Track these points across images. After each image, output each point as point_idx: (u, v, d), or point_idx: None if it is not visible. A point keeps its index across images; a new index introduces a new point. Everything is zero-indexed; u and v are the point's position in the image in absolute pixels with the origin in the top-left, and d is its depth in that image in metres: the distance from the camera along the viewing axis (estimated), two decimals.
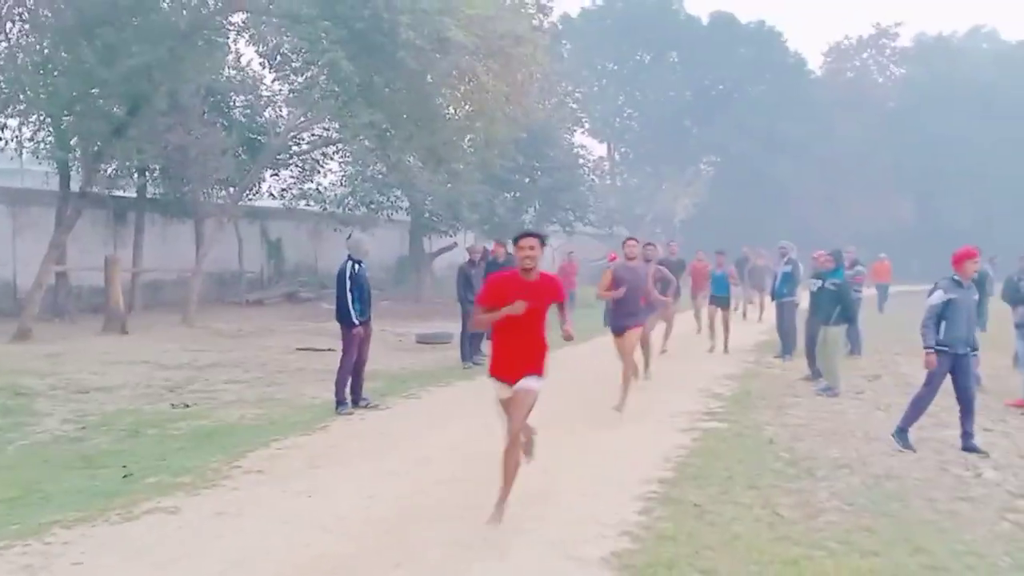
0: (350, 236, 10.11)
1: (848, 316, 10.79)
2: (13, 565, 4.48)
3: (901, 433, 7.66)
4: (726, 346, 14.81)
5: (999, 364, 12.36)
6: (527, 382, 5.33)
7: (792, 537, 5.13)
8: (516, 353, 5.39)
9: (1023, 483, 6.58)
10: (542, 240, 5.46)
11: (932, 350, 7.51)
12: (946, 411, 9.45)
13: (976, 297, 7.79)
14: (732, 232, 47.76)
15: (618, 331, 9.22)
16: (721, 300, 14.98)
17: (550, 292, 5.53)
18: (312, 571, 4.52)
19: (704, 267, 16.53)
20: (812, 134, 47.04)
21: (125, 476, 6.28)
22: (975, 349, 7.65)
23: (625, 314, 9.12)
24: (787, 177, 46.02)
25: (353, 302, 8.99)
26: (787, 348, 13.85)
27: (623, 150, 52.79)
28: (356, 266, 9.13)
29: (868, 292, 19.00)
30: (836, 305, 10.48)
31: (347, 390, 9.22)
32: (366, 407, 9.28)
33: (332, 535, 5.09)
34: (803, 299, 13.18)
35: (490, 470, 5.47)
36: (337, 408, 9.09)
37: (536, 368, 5.41)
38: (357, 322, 9.07)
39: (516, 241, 5.49)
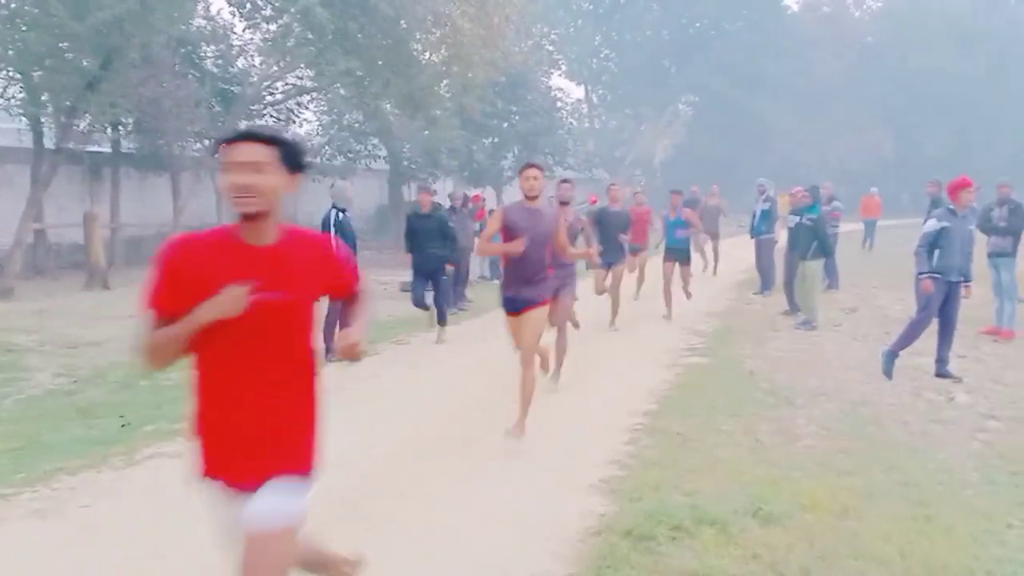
0: (333, 185, 10.12)
1: (825, 251, 10.99)
2: (24, 510, 4.63)
3: (890, 356, 7.83)
4: (669, 311, 11.74)
5: (976, 293, 12.65)
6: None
7: (772, 460, 5.37)
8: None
9: (994, 405, 6.86)
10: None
11: (927, 276, 7.69)
12: (920, 340, 9.76)
13: (971, 227, 7.92)
14: (713, 171, 47.81)
15: (512, 309, 6.02)
16: (678, 253, 12.15)
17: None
18: (317, 504, 4.69)
19: (645, 212, 13.05)
20: (791, 70, 46.87)
21: (123, 425, 6.41)
22: (968, 279, 7.83)
23: (522, 282, 5.90)
24: (768, 114, 45.94)
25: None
26: (766, 284, 14.10)
27: (601, 92, 52.41)
28: (339, 214, 9.18)
29: (851, 227, 19.20)
30: (813, 240, 10.68)
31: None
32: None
33: (334, 470, 5.19)
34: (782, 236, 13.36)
35: (483, 408, 5.66)
36: (327, 356, 9.23)
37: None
38: None
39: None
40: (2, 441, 6.02)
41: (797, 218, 11.22)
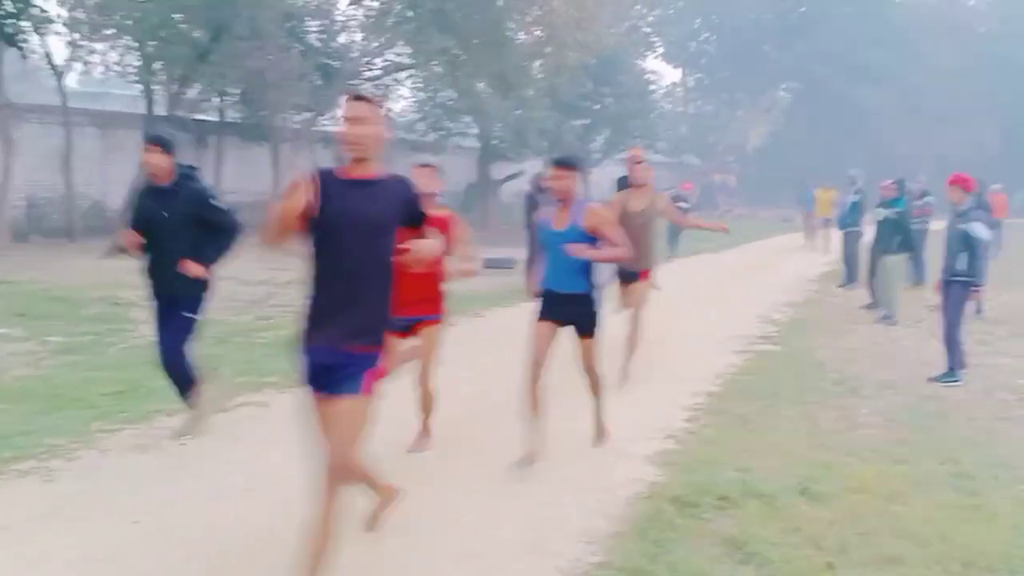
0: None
1: (909, 245, 10.83)
2: (126, 444, 5.16)
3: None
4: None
5: None
6: None
7: (828, 445, 5.49)
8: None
9: None
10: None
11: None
12: (1001, 340, 9.62)
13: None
14: (808, 160, 46.78)
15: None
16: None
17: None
18: (390, 453, 5.07)
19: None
20: (896, 60, 45.24)
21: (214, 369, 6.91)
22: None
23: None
24: (868, 104, 44.52)
25: None
26: (851, 277, 13.93)
27: (698, 76, 51.59)
28: None
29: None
30: (896, 234, 10.54)
31: None
32: None
33: (400, 424, 5.53)
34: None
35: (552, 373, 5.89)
36: None
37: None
38: None
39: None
40: (109, 384, 6.61)
41: (885, 211, 11.07)
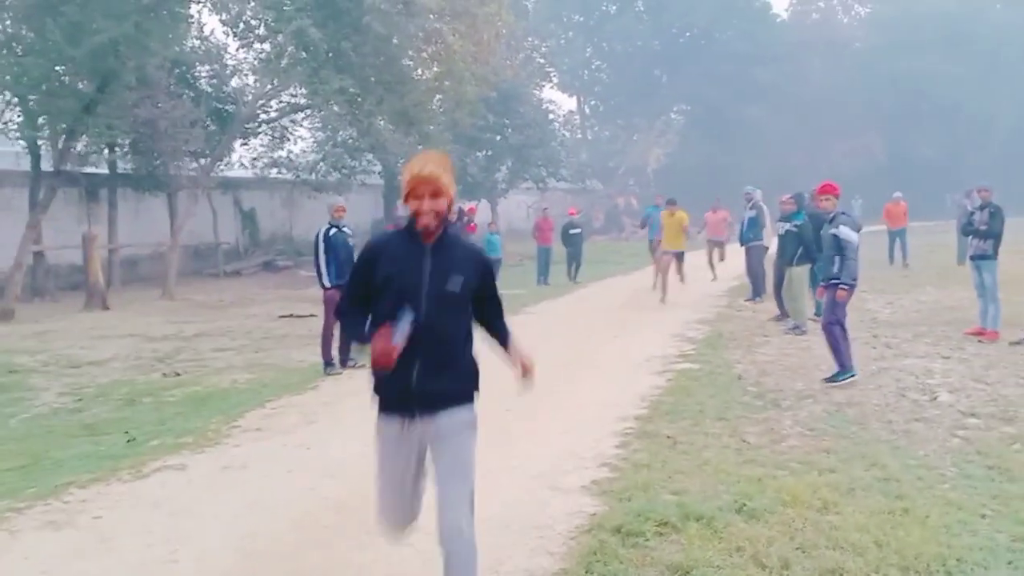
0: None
1: (811, 256, 11.20)
2: (38, 521, 4.81)
3: None
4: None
5: (960, 295, 12.97)
6: None
7: (757, 460, 5.56)
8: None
9: (974, 404, 7.05)
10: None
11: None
12: (907, 342, 10.00)
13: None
14: (706, 180, 48.26)
15: None
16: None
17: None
18: (319, 511, 4.90)
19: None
20: (782, 78, 47.35)
21: (129, 441, 6.58)
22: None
23: None
24: (759, 122, 46.37)
25: (328, 264, 9.31)
26: (757, 291, 14.31)
27: (593, 103, 52.85)
28: (332, 230, 9.41)
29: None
30: (799, 246, 10.89)
31: (334, 352, 9.53)
32: (353, 367, 9.60)
33: (335, 480, 5.47)
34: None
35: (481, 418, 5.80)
36: (325, 369, 9.43)
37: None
38: (329, 285, 9.36)
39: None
40: (12, 458, 6.20)
41: (785, 225, 11.44)
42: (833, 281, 7.89)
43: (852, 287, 7.87)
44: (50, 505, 5.08)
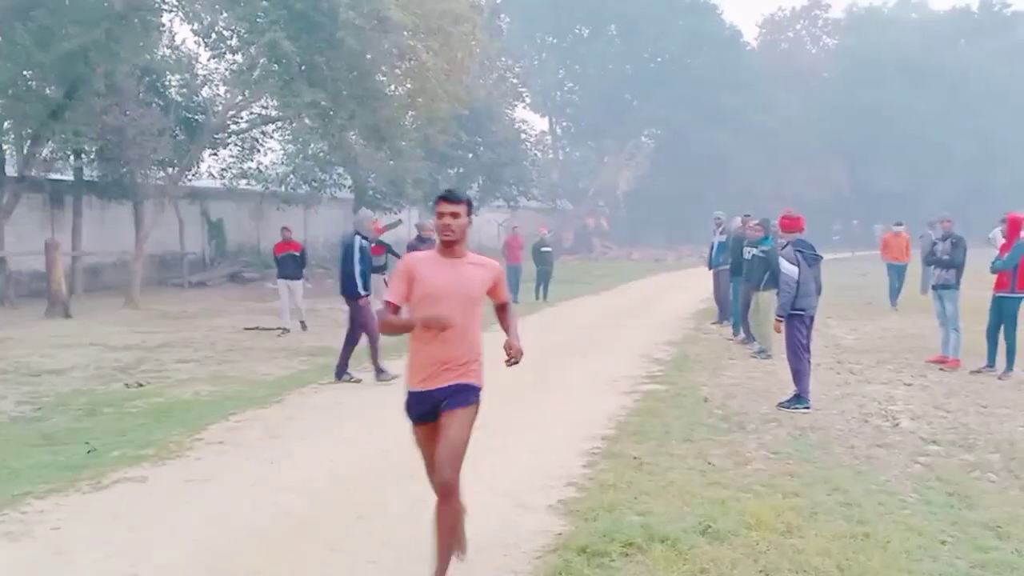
0: (357, 213, 10.63)
1: (777, 281, 11.32)
2: None
3: None
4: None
5: (923, 324, 13.20)
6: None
7: (722, 482, 5.60)
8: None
9: (935, 431, 7.17)
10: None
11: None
12: (870, 368, 10.15)
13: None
14: (674, 203, 48.80)
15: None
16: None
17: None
18: (280, 526, 4.85)
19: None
20: (750, 105, 48.05)
21: (89, 451, 6.46)
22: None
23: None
24: (727, 148, 46.98)
25: (361, 274, 9.39)
26: (724, 314, 14.45)
27: (564, 124, 53.28)
28: (363, 240, 9.54)
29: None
30: (765, 271, 11.03)
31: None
32: (348, 380, 9.55)
33: (296, 494, 5.42)
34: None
35: None
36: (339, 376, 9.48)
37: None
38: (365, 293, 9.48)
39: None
40: None
41: (752, 250, 11.58)
42: (794, 311, 8.04)
43: (783, 319, 8.05)
44: (7, 515, 4.97)
